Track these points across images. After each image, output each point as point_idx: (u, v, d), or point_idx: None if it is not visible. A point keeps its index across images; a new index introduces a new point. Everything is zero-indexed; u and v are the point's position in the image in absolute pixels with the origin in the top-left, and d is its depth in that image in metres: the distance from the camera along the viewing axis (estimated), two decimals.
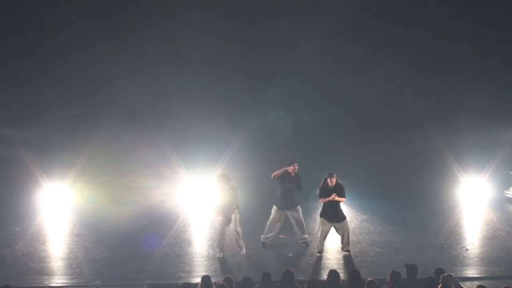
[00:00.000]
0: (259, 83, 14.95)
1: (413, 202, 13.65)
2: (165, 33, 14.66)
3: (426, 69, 15.16)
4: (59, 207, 13.64)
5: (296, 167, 10.68)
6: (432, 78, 15.23)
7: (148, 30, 14.65)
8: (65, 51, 14.58)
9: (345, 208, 13.22)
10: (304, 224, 11.00)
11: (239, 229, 10.52)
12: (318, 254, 10.54)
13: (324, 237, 10.57)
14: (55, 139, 14.29)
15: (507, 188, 14.37)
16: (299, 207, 10.86)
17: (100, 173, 14.21)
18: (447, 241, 11.35)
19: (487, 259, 10.44)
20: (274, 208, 10.86)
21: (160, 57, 14.76)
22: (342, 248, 10.63)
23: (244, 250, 10.60)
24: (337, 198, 10.39)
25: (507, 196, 14.22)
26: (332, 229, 10.63)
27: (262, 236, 10.99)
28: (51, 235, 12.00)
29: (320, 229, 10.55)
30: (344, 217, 10.59)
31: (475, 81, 14.89)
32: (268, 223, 10.92)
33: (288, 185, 10.67)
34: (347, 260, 10.43)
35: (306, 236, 11.03)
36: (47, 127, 14.25)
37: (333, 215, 10.46)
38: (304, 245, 10.93)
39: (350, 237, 10.68)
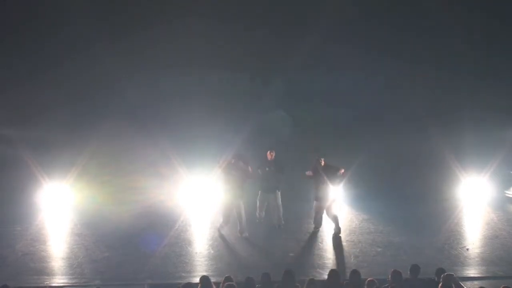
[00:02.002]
0: (259, 83, 14.94)
1: (414, 201, 13.61)
2: (165, 33, 14.65)
3: (426, 68, 15.16)
4: (60, 207, 13.62)
5: (273, 154, 11.84)
6: (432, 77, 15.22)
7: (148, 30, 14.65)
8: (65, 51, 14.57)
9: (346, 207, 13.29)
10: (281, 210, 11.93)
11: (243, 213, 11.38)
12: (315, 230, 11.70)
13: (321, 216, 11.67)
14: (55, 139, 14.29)
15: (507, 187, 14.33)
16: (278, 192, 11.89)
17: (101, 173, 14.19)
18: (448, 240, 11.35)
19: (487, 259, 10.44)
20: (259, 192, 12.04)
21: (160, 57, 14.76)
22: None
23: (246, 234, 11.38)
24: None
25: (507, 196, 14.19)
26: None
27: (257, 216, 12.11)
28: (52, 235, 11.98)
29: (316, 211, 11.67)
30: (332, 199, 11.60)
31: (476, 80, 14.88)
32: (257, 205, 12.08)
33: (268, 169, 11.78)
34: (348, 260, 10.45)
35: (283, 222, 11.95)
36: (47, 127, 14.24)
37: (325, 199, 11.49)
38: (277, 227, 11.92)
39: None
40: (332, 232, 11.51)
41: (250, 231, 11.56)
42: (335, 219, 11.55)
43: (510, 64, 15.08)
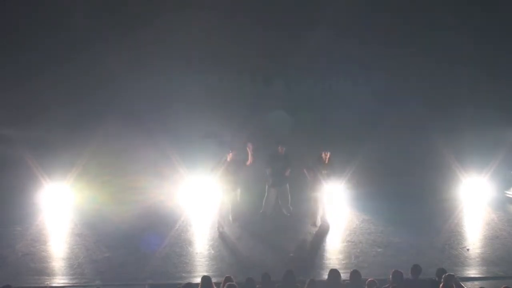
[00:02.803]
0: (260, 82, 14.94)
1: (414, 202, 13.61)
2: (165, 33, 14.66)
3: (426, 67, 15.16)
4: (60, 207, 13.61)
5: (283, 149, 12.12)
6: (433, 77, 15.22)
7: (148, 29, 14.66)
8: (65, 51, 14.58)
9: (347, 208, 13.29)
10: (290, 200, 12.29)
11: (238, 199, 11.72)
12: (312, 226, 11.85)
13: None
14: (55, 139, 14.27)
15: (508, 188, 14.33)
16: (287, 185, 12.22)
17: (101, 173, 14.18)
18: (448, 241, 11.35)
19: (488, 259, 10.45)
20: (267, 186, 12.22)
21: (161, 57, 14.76)
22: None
23: (237, 222, 11.79)
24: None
25: (508, 196, 14.18)
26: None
27: (261, 211, 12.31)
28: (52, 235, 11.96)
29: (316, 205, 11.84)
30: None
31: (477, 80, 14.88)
32: (264, 200, 12.28)
33: (280, 164, 12.03)
34: (348, 260, 10.46)
35: (291, 209, 12.33)
36: (47, 127, 14.23)
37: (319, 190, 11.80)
38: (288, 215, 12.30)
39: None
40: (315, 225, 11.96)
41: (250, 231, 11.56)
42: (321, 211, 11.86)
43: (510, 63, 15.08)
